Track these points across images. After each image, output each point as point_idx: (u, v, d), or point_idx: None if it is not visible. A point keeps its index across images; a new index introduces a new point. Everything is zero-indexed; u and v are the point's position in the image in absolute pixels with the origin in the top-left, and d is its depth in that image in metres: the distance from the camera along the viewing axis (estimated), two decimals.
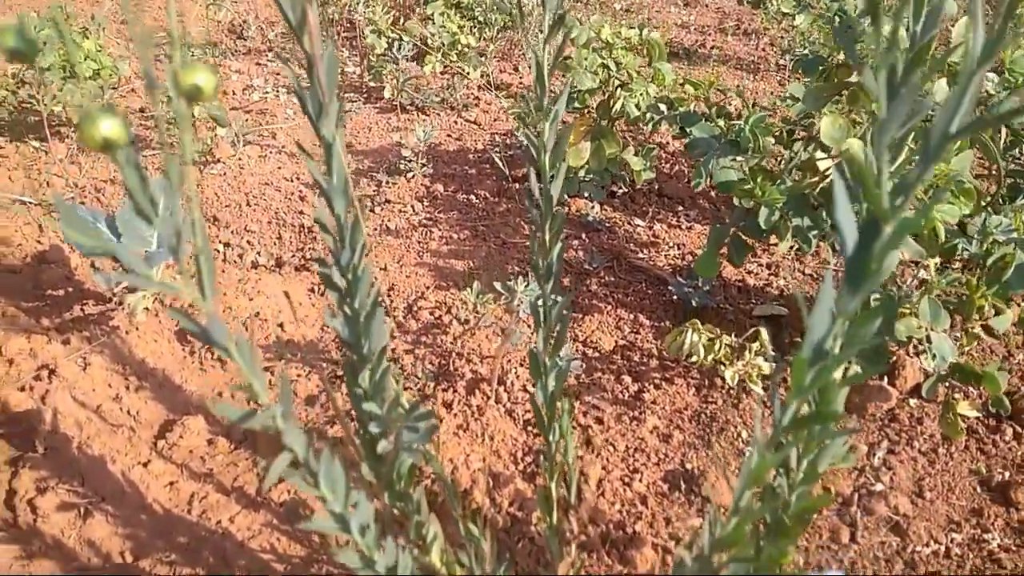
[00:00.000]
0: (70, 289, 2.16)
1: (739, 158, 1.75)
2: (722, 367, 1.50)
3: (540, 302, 1.02)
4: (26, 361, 1.79)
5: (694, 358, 1.53)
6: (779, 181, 1.64)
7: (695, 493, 1.43)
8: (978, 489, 1.48)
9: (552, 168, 0.91)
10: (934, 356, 1.43)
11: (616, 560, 1.29)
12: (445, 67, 3.51)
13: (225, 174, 2.73)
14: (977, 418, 1.63)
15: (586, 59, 2.22)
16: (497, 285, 1.73)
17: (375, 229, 2.39)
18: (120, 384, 1.74)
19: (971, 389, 1.69)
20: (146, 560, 1.31)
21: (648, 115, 2.08)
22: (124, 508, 1.39)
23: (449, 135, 3.10)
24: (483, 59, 3.60)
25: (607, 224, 2.39)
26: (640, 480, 1.45)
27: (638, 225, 2.41)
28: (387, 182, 2.65)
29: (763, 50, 4.50)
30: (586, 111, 2.31)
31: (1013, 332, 1.81)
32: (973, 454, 1.55)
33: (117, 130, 0.43)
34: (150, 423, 1.64)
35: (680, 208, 2.54)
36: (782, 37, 4.58)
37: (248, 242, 2.37)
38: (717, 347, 1.50)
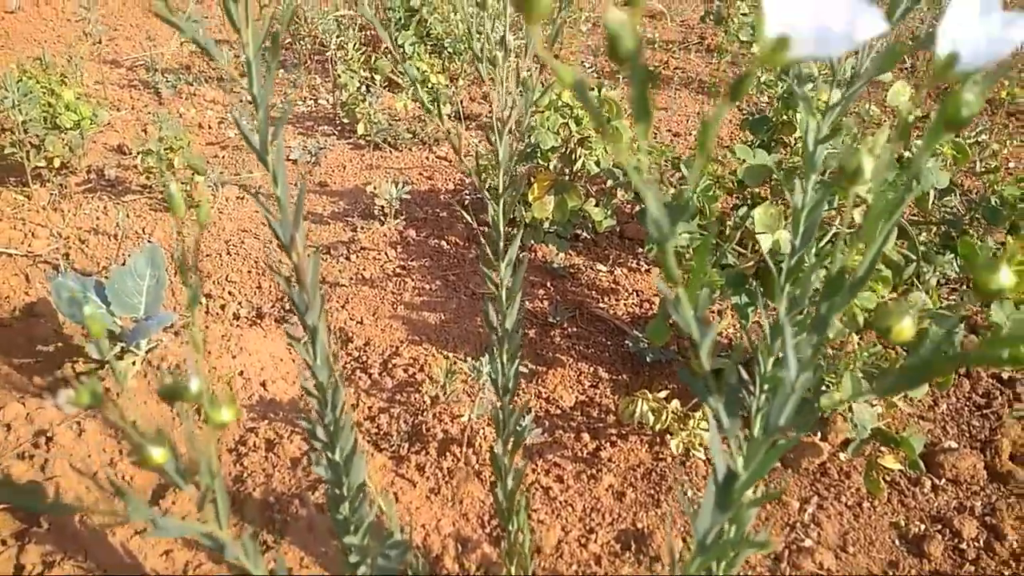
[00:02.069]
0: (60, 344, 2.27)
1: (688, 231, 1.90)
2: (669, 436, 1.66)
3: (499, 404, 1.17)
4: (24, 427, 1.91)
5: (645, 425, 1.69)
6: (723, 250, 1.80)
7: (644, 553, 1.59)
8: (896, 542, 1.66)
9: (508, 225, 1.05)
10: (855, 425, 1.60)
11: None
12: (415, 103, 3.63)
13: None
14: (900, 471, 1.81)
15: (548, 120, 2.35)
16: (464, 366, 1.87)
17: (351, 278, 2.52)
18: (113, 449, 1.86)
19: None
20: None
21: (606, 175, 2.23)
22: None
23: (421, 173, 3.22)
24: (452, 91, 3.72)
25: (571, 270, 2.54)
26: (595, 540, 1.61)
27: (600, 270, 2.57)
28: (361, 227, 2.77)
29: (724, 70, 4.65)
30: (548, 167, 2.45)
31: (927, 397, 1.99)
32: (895, 507, 1.73)
33: (165, 455, 0.56)
34: (143, 489, 1.77)
35: (640, 250, 2.70)
36: (743, 54, 4.73)
37: (229, 292, 2.49)
38: (664, 417, 1.66)
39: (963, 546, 1.64)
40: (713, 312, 2.34)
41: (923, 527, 1.68)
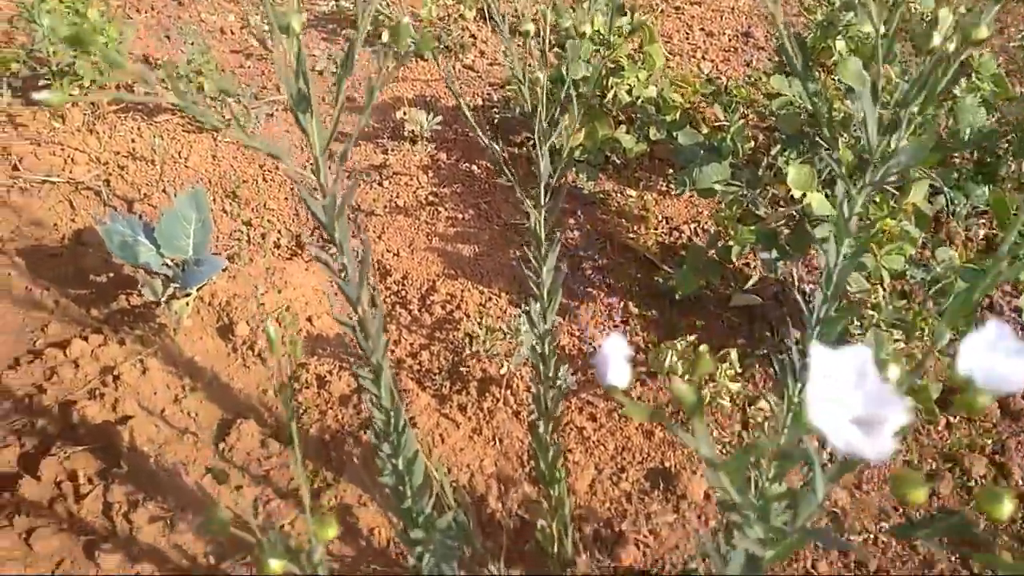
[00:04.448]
0: (111, 274, 2.37)
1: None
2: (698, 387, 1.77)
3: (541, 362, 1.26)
4: (90, 364, 2.04)
5: (674, 373, 1.79)
6: (754, 197, 1.83)
7: (672, 491, 1.73)
8: None
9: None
10: None
11: (606, 556, 1.61)
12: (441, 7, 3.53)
13: (237, 142, 2.87)
14: (917, 408, 1.91)
15: (580, 47, 2.32)
16: (500, 302, 1.96)
17: (385, 207, 2.57)
18: (176, 386, 2.00)
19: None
20: (226, 562, 1.62)
21: (639, 112, 2.22)
22: (202, 515, 1.69)
23: (447, 86, 3.19)
24: None
25: (600, 196, 2.58)
26: (626, 479, 1.75)
27: (630, 196, 2.59)
28: (392, 149, 2.79)
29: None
30: (580, 95, 2.43)
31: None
32: (909, 445, 1.84)
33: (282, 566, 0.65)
34: (208, 425, 1.91)
35: (670, 171, 2.71)
36: None
37: (268, 220, 2.56)
38: (692, 370, 1.75)
39: (971, 484, 1.76)
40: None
41: (935, 465, 1.80)
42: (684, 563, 1.62)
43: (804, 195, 1.64)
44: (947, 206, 2.13)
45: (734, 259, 1.79)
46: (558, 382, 1.34)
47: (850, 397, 0.38)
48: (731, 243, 1.79)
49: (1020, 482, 1.77)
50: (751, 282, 1.89)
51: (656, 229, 2.45)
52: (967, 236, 2.31)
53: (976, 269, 1.73)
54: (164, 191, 2.68)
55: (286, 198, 2.64)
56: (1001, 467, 1.79)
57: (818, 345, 0.38)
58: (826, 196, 1.62)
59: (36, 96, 0.57)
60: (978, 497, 0.46)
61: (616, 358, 0.43)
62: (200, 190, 2.13)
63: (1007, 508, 0.46)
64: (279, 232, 2.52)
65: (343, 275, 0.85)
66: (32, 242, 2.47)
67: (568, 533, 1.41)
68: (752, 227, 1.76)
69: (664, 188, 2.63)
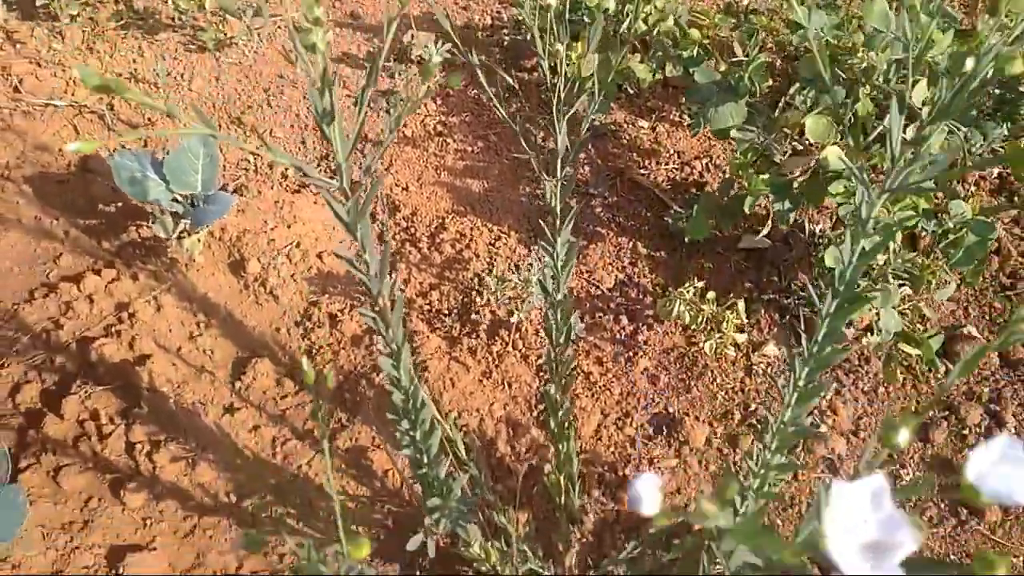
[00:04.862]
0: (119, 204, 2.37)
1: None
2: (702, 337, 1.79)
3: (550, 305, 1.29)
4: (104, 299, 2.07)
5: (681, 321, 1.81)
6: (769, 143, 1.80)
7: (674, 437, 1.78)
8: None
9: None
10: (880, 330, 1.71)
11: (609, 498, 1.68)
12: None
13: (241, 63, 2.80)
14: (917, 356, 1.94)
15: None
16: (509, 242, 1.96)
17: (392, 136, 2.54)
18: (191, 323, 2.04)
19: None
20: (247, 500, 1.70)
21: (656, 46, 2.16)
22: (221, 455, 1.76)
23: (455, 2, 3.08)
24: None
25: (612, 128, 2.53)
26: (631, 424, 1.80)
27: (642, 128, 2.55)
28: (399, 73, 2.73)
29: None
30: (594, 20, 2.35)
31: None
32: (908, 392, 1.89)
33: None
34: (224, 363, 1.96)
35: (683, 100, 2.65)
36: None
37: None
38: (699, 318, 1.78)
39: (965, 432, 1.82)
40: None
41: (932, 413, 1.85)
42: (684, 507, 1.69)
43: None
44: (963, 146, 2.10)
45: (746, 210, 1.78)
46: (569, 337, 1.36)
47: (865, 523, 0.40)
48: (745, 193, 1.78)
49: (1013, 431, 1.82)
50: (763, 232, 1.88)
51: (667, 164, 2.42)
52: (980, 176, 2.28)
53: (986, 222, 1.73)
54: (168, 115, 2.63)
55: (292, 125, 2.60)
56: (996, 416, 1.84)
57: (837, 482, 0.40)
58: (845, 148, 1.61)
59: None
60: (973, 562, 0.48)
61: (648, 493, 0.46)
62: None
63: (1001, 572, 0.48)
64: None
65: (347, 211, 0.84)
66: (39, 168, 2.45)
67: (575, 488, 1.47)
68: (766, 177, 1.75)
69: (676, 118, 2.58)
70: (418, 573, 1.47)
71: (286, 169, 2.48)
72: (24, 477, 1.69)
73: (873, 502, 0.41)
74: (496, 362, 1.90)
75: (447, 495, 1.16)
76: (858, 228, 0.87)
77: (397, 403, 1.04)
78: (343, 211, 0.83)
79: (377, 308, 0.92)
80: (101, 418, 1.79)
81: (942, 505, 1.71)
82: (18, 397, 1.86)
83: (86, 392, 1.83)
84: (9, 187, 2.38)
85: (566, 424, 1.44)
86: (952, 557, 1.64)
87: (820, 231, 2.11)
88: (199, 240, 2.10)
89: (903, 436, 0.54)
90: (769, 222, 1.86)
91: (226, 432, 1.79)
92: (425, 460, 1.12)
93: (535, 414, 1.82)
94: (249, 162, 2.49)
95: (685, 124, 2.55)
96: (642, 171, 2.40)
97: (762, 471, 1.22)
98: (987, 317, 2.03)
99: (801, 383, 1.10)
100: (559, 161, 1.15)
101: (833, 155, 1.59)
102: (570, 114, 1.09)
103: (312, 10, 0.63)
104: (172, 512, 1.68)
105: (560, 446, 1.40)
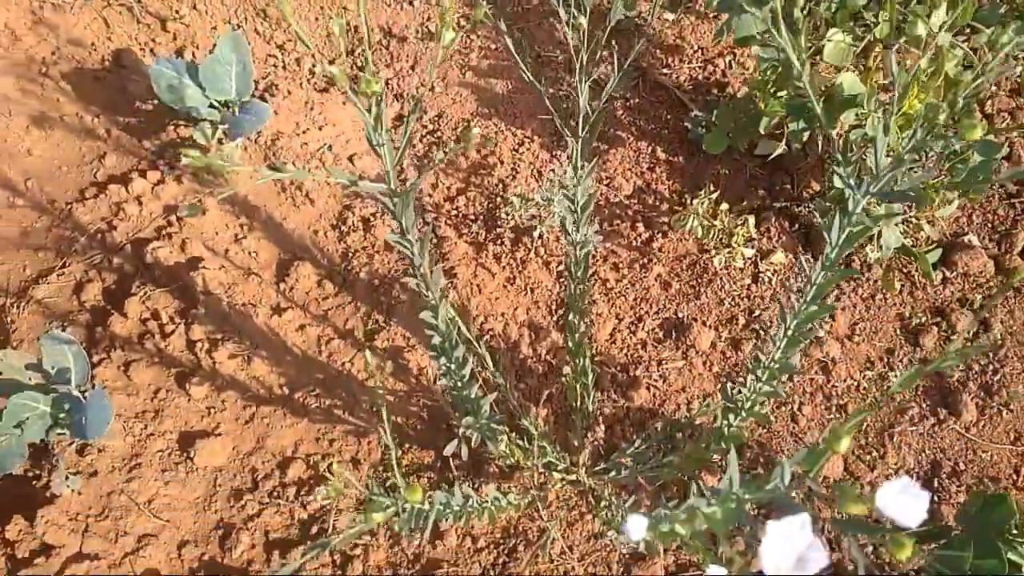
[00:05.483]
0: (155, 101, 2.45)
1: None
2: (713, 252, 1.92)
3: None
4: (152, 202, 2.21)
5: (694, 234, 1.93)
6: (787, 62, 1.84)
7: (682, 340, 1.95)
8: (897, 331, 1.98)
9: None
10: (881, 247, 1.82)
11: (620, 396, 1.87)
12: None
13: None
14: (916, 269, 2.05)
15: None
16: (533, 147, 2.05)
17: (416, 32, 2.55)
18: (235, 225, 2.18)
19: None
20: (298, 392, 1.91)
21: None
22: (273, 352, 1.95)
23: None
24: None
25: (636, 21, 2.53)
26: (643, 328, 1.96)
27: (666, 20, 2.54)
28: None
29: None
30: None
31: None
32: (904, 299, 2.02)
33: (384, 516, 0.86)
34: (268, 264, 2.12)
35: None
36: None
37: (302, 43, 2.56)
38: (711, 234, 1.89)
39: (953, 337, 1.96)
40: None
41: (924, 319, 1.99)
42: (688, 403, 1.88)
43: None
44: (987, 46, 2.10)
45: (761, 130, 1.84)
46: (586, 250, 1.48)
47: (792, 545, 0.55)
48: (762, 113, 1.84)
49: (999, 336, 1.97)
50: (778, 150, 1.95)
51: (690, 63, 2.44)
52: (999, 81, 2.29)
53: (992, 143, 1.79)
54: (195, 7, 2.65)
55: (316, 18, 2.62)
56: (984, 322, 1.98)
57: (770, 522, 0.55)
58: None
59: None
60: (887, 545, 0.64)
61: (637, 526, 0.60)
62: (237, 35, 2.15)
63: (907, 551, 0.65)
64: (312, 58, 2.54)
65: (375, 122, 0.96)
66: (74, 64, 2.52)
67: (590, 394, 1.65)
68: (783, 97, 1.80)
69: (701, 8, 2.57)
70: (452, 462, 1.69)
71: (313, 65, 2.53)
72: (99, 371, 1.90)
73: (800, 530, 0.56)
74: (520, 268, 2.04)
75: (478, 412, 1.34)
76: (844, 220, 0.98)
77: (436, 345, 1.20)
78: (390, 203, 0.94)
79: (419, 278, 1.06)
80: (162, 317, 1.97)
81: (924, 406, 1.88)
82: (82, 295, 2.05)
83: (146, 293, 2.01)
84: (48, 84, 2.46)
85: (583, 331, 1.59)
86: (927, 452, 1.83)
87: (837, 135, 2.17)
88: (237, 147, 2.21)
89: (844, 444, 0.69)
90: (784, 137, 1.93)
91: (275, 331, 1.98)
92: (459, 385, 1.29)
93: (555, 318, 1.98)
94: (276, 58, 2.54)
95: (710, 16, 2.54)
96: (664, 70, 2.42)
97: (766, 371, 1.37)
98: (990, 224, 2.12)
99: (811, 295, 1.20)
100: (579, 62, 1.20)
101: (848, 81, 1.64)
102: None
103: (371, 85, 0.73)
104: (233, 402, 1.90)
105: (576, 360, 1.57)
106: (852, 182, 0.94)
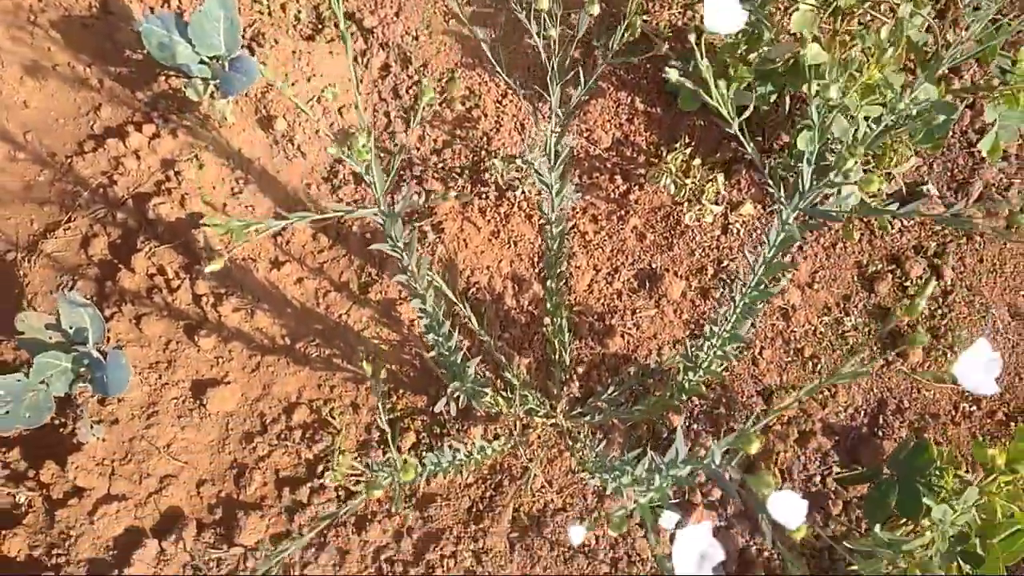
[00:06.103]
0: (145, 50, 2.50)
1: None
2: (685, 207, 2.04)
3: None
4: (150, 156, 2.29)
5: (667, 191, 2.05)
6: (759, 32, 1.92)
7: (655, 290, 2.09)
8: (854, 278, 2.13)
9: None
10: (840, 205, 1.94)
11: (597, 344, 2.03)
12: None
13: None
14: (875, 221, 2.18)
15: None
16: (515, 99, 2.13)
17: None
18: (231, 179, 2.28)
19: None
20: (299, 342, 2.06)
21: None
22: (274, 305, 2.09)
23: None
24: None
25: None
26: (619, 279, 2.11)
27: None
28: None
29: None
30: None
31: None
32: (863, 247, 2.16)
33: None
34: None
35: None
36: None
37: None
38: (683, 192, 2.01)
39: (906, 284, 2.12)
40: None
41: (880, 266, 2.13)
42: (659, 349, 2.05)
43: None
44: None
45: (731, 95, 1.93)
46: (561, 228, 1.62)
47: (697, 547, 0.71)
48: (731, 80, 1.92)
49: (948, 282, 2.12)
50: (750, 108, 2.03)
51: (671, 8, 2.49)
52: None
53: (949, 104, 1.89)
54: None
55: None
56: (936, 269, 2.13)
57: (680, 530, 0.70)
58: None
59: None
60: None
61: (577, 533, 0.76)
62: None
63: (755, 445, 0.81)
64: (298, 3, 2.56)
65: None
66: (62, 11, 2.54)
67: (567, 348, 1.81)
68: (751, 62, 1.88)
69: None
70: (441, 414, 1.86)
71: (299, 11, 2.56)
72: (112, 324, 2.05)
73: (706, 535, 0.72)
74: (503, 221, 2.16)
75: (464, 377, 1.50)
76: (775, 238, 1.10)
77: (426, 324, 1.34)
78: (381, 218, 1.07)
79: (408, 279, 1.19)
80: (168, 273, 2.10)
81: (874, 348, 2.06)
82: (89, 250, 2.17)
83: (151, 249, 2.13)
84: (38, 33, 2.49)
85: (559, 310, 1.74)
86: (875, 391, 2.02)
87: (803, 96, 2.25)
88: (228, 103, 2.28)
89: (755, 447, 0.85)
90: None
91: (275, 285, 2.11)
92: (446, 354, 1.44)
93: (537, 270, 2.12)
94: (262, 3, 2.56)
95: None
96: (645, 17, 2.47)
97: (732, 317, 1.52)
98: (949, 173, 2.23)
99: (775, 247, 1.32)
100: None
101: (813, 51, 1.73)
102: None
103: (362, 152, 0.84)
104: (239, 352, 2.05)
105: (555, 320, 1.72)
106: (782, 197, 1.06)
